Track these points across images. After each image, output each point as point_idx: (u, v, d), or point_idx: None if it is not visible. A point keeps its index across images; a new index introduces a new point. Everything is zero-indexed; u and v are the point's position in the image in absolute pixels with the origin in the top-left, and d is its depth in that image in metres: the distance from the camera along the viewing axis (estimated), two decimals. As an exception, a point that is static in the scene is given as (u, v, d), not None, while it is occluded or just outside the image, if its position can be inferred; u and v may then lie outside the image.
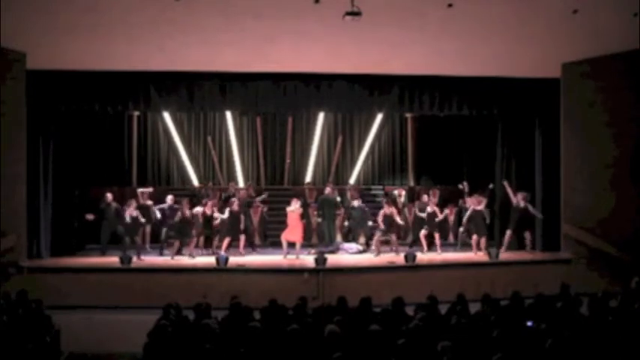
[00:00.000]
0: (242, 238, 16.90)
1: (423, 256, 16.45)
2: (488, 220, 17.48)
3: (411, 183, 21.47)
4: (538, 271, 15.53)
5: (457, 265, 16.04)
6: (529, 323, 8.64)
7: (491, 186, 17.94)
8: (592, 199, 16.17)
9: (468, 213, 17.21)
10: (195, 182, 20.67)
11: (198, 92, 16.94)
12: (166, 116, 20.55)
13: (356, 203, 17.75)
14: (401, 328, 8.19)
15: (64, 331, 10.31)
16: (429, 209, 17.34)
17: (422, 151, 21.59)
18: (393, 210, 17.02)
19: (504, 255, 16.47)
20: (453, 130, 20.39)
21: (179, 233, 16.53)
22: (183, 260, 16.20)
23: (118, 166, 20.22)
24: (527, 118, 17.90)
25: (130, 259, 15.19)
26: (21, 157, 15.49)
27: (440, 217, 17.34)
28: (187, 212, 16.51)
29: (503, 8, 12.85)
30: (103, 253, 16.74)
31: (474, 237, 17.05)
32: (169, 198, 17.48)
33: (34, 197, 15.95)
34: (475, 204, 17.10)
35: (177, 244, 16.49)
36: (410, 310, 9.59)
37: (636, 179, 15.72)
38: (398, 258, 16.08)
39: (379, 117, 21.13)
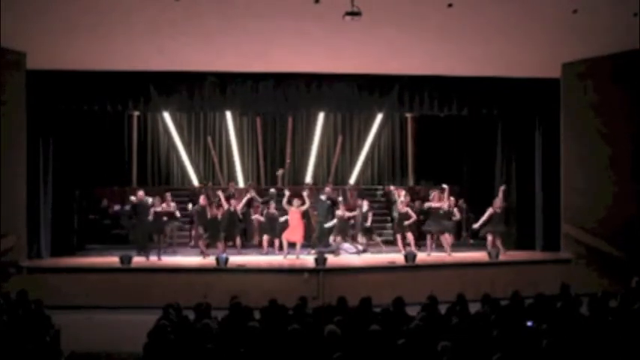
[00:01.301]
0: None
1: (424, 256, 16.44)
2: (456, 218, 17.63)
3: (411, 183, 21.47)
4: (538, 271, 15.52)
5: (457, 265, 16.02)
6: (529, 323, 8.63)
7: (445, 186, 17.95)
8: (592, 199, 16.15)
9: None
10: (195, 182, 20.67)
11: (198, 92, 16.91)
12: (166, 116, 20.56)
13: (323, 197, 17.81)
14: (401, 328, 8.17)
15: (64, 331, 10.27)
16: (400, 208, 17.28)
17: (422, 151, 21.60)
18: (345, 210, 17.11)
19: (504, 255, 16.46)
20: (453, 130, 20.39)
21: (212, 232, 16.66)
22: (182, 260, 16.30)
23: (118, 166, 20.26)
24: (527, 118, 17.91)
25: (130, 259, 15.17)
26: (21, 157, 15.49)
27: (413, 218, 17.16)
28: (216, 211, 16.69)
29: (503, 8, 12.86)
30: (146, 254, 16.31)
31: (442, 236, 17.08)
32: (202, 197, 17.40)
33: (34, 197, 15.95)
34: (435, 201, 17.09)
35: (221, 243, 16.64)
36: (411, 310, 9.59)
37: (636, 179, 15.71)
38: (398, 258, 16.06)
39: (379, 117, 21.13)
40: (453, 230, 17.56)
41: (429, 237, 17.08)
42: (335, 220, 17.16)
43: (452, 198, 17.79)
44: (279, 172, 17.37)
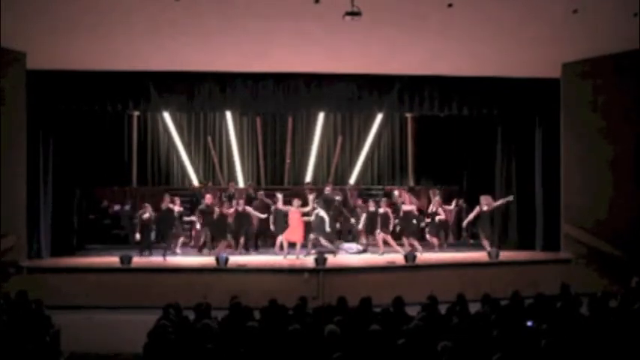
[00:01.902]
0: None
1: (424, 256, 16.40)
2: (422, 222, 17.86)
3: (411, 183, 21.46)
4: (538, 271, 15.51)
5: (457, 265, 16.03)
6: (529, 323, 8.62)
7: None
8: (592, 199, 16.15)
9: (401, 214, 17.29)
10: (195, 182, 20.66)
11: (199, 92, 16.91)
12: (166, 116, 20.53)
13: (338, 197, 17.81)
14: (401, 328, 8.15)
15: (64, 331, 10.27)
16: (380, 210, 17.13)
17: (422, 151, 21.59)
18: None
19: (505, 254, 16.43)
20: (453, 130, 20.38)
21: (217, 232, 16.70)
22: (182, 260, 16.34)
23: (118, 165, 20.25)
24: (528, 118, 17.90)
25: (130, 259, 15.16)
26: (21, 157, 15.49)
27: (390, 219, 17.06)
28: (224, 211, 16.70)
29: (503, 8, 12.84)
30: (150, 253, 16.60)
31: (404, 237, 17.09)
32: (207, 197, 17.35)
33: (34, 197, 15.95)
34: (407, 204, 17.10)
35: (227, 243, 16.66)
36: (411, 310, 9.59)
37: (637, 179, 15.70)
38: (398, 258, 16.04)
39: (379, 117, 21.10)
40: (432, 231, 17.65)
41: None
42: (312, 218, 17.05)
43: (437, 198, 17.78)
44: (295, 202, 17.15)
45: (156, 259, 16.20)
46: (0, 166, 14.73)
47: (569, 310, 9.34)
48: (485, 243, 16.95)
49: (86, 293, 14.35)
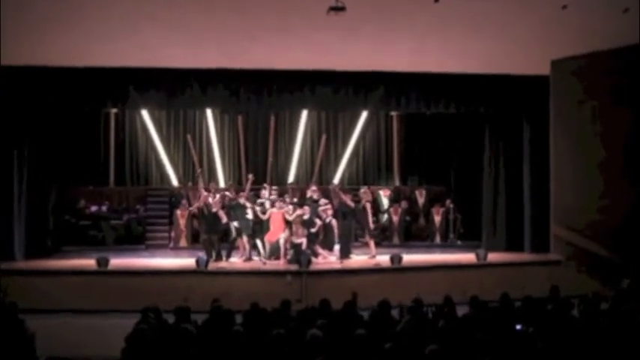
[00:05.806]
0: None
1: (410, 258, 16.16)
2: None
3: (397, 183, 21.29)
4: (527, 273, 15.38)
5: (445, 267, 15.90)
6: (518, 326, 8.54)
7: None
8: (582, 199, 16.05)
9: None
10: (175, 182, 20.34)
11: (179, 90, 16.68)
12: (145, 114, 20.24)
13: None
14: (387, 332, 8.05)
15: (39, 335, 9.99)
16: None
17: (408, 150, 21.48)
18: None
19: (493, 256, 16.25)
20: (439, 129, 20.28)
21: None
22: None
23: (95, 165, 20.04)
24: (516, 116, 17.75)
25: (107, 262, 14.87)
26: (-7, 156, 15.24)
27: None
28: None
29: (491, 5, 12.80)
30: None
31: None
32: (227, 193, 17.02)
33: (8, 197, 15.78)
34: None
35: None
36: (397, 313, 9.51)
37: (627, 179, 15.59)
38: (383, 260, 15.81)
39: (364, 115, 20.95)
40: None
41: None
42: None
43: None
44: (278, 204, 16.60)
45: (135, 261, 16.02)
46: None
47: (560, 312, 9.28)
48: (370, 240, 16.79)
49: (62, 296, 14.09)
